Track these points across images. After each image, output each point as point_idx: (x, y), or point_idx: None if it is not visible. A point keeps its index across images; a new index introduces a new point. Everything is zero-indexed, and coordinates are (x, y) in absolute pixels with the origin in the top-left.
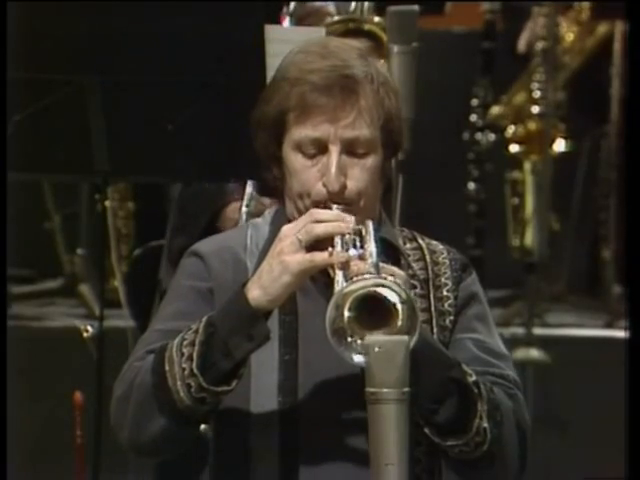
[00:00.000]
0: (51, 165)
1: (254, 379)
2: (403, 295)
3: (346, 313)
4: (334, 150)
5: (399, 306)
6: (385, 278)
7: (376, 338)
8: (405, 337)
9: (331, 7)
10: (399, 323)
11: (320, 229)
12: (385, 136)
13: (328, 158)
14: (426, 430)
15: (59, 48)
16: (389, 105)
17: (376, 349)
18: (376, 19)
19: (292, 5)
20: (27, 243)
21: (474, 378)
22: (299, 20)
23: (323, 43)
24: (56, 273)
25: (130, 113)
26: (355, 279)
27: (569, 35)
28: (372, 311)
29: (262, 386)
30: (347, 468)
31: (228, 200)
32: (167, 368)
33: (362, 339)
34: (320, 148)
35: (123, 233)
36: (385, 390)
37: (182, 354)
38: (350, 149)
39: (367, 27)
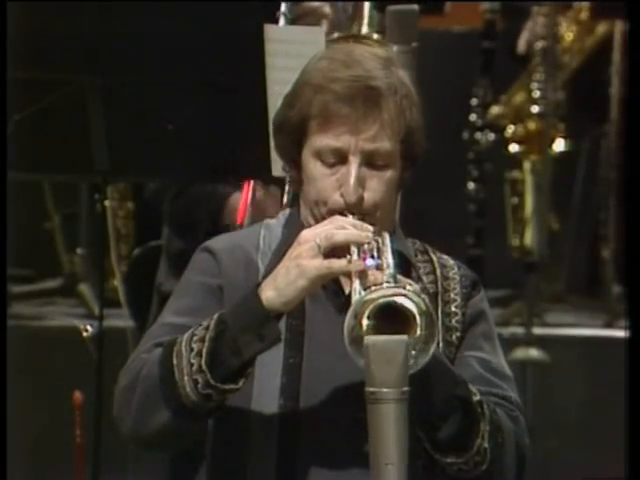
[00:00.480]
0: (51, 165)
1: (257, 381)
2: (422, 306)
3: (365, 322)
4: (354, 161)
5: (418, 317)
6: (404, 287)
7: (376, 338)
8: (404, 336)
9: (327, 8)
10: (418, 333)
11: (340, 236)
12: (405, 149)
13: (347, 169)
14: (426, 445)
15: (59, 48)
16: (410, 118)
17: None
18: (375, 36)
19: (287, 4)
20: (27, 243)
21: (478, 397)
22: (295, 20)
23: (348, 51)
24: (56, 273)
25: (130, 113)
26: (374, 288)
27: (568, 35)
28: (390, 321)
29: (264, 388)
30: (347, 472)
31: (227, 193)
32: (175, 362)
33: None
34: (340, 158)
35: (123, 233)
36: (385, 390)
37: (191, 349)
38: (370, 161)
39: (364, 42)
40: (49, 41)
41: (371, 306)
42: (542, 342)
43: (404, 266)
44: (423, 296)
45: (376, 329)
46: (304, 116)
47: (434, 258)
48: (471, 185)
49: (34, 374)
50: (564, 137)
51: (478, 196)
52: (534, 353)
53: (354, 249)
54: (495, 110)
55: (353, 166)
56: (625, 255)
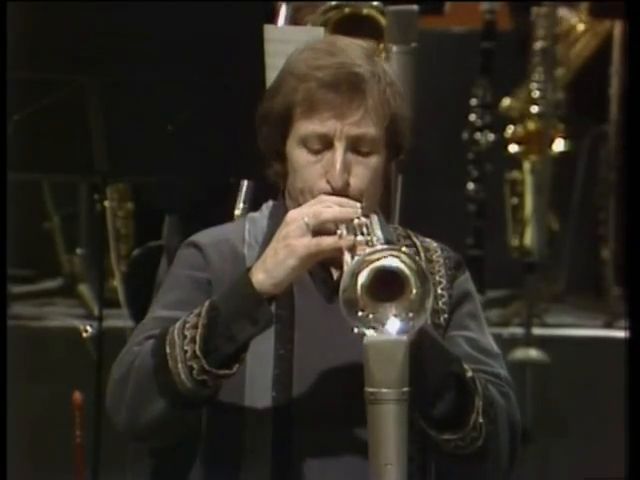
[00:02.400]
0: (50, 165)
1: (249, 373)
2: (413, 265)
3: (360, 282)
4: (339, 146)
5: (412, 277)
6: (400, 250)
7: (375, 339)
8: (404, 337)
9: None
10: (413, 292)
11: (328, 214)
12: (389, 137)
13: (333, 154)
14: (422, 424)
15: (59, 48)
16: (395, 106)
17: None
18: (375, 2)
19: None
20: (26, 243)
21: (471, 374)
22: (294, 10)
23: (331, 41)
24: (55, 273)
25: (129, 113)
26: (370, 250)
27: (580, 26)
28: (384, 284)
29: (256, 380)
30: (340, 463)
31: None
32: (168, 351)
33: (374, 312)
34: (325, 144)
35: (122, 233)
36: (384, 390)
37: (184, 337)
38: (355, 147)
39: (366, 11)
40: (49, 41)
41: (369, 267)
42: (542, 342)
43: None
44: (416, 257)
45: (370, 290)
46: (288, 105)
47: (417, 242)
48: (471, 185)
49: (33, 374)
50: (564, 137)
51: (478, 196)
52: (533, 353)
53: (343, 227)
54: (507, 102)
55: (339, 151)
56: (625, 255)
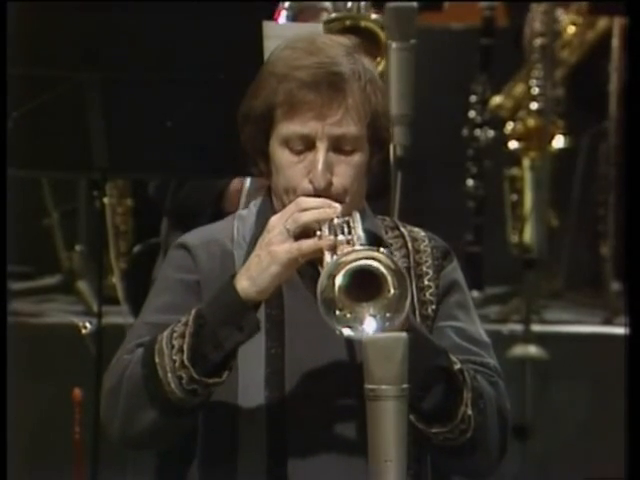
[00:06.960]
0: (50, 162)
1: (241, 374)
2: (392, 265)
3: (337, 283)
4: (321, 147)
5: (389, 277)
6: (377, 250)
7: (375, 335)
8: (404, 334)
9: (326, 3)
10: (391, 292)
11: (307, 216)
12: (372, 133)
13: (315, 155)
14: (411, 417)
15: (59, 44)
16: (376, 102)
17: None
18: (373, 16)
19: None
20: (26, 240)
21: (459, 366)
22: (296, 14)
23: (310, 39)
24: (54, 270)
25: (129, 110)
26: (347, 251)
27: (570, 28)
28: (362, 283)
29: (249, 380)
30: (334, 461)
31: (226, 183)
32: (157, 360)
33: (352, 312)
34: (307, 144)
35: (121, 230)
36: (384, 387)
37: (172, 346)
38: (337, 146)
39: (364, 24)
40: (49, 38)
41: (345, 268)
42: (541, 339)
43: (375, 244)
44: (394, 258)
45: (348, 292)
46: (269, 105)
47: (405, 232)
48: (470, 182)
49: (33, 371)
50: (563, 134)
51: (477, 193)
52: (533, 350)
53: (324, 228)
54: (496, 101)
55: (321, 152)
56: (624, 252)
